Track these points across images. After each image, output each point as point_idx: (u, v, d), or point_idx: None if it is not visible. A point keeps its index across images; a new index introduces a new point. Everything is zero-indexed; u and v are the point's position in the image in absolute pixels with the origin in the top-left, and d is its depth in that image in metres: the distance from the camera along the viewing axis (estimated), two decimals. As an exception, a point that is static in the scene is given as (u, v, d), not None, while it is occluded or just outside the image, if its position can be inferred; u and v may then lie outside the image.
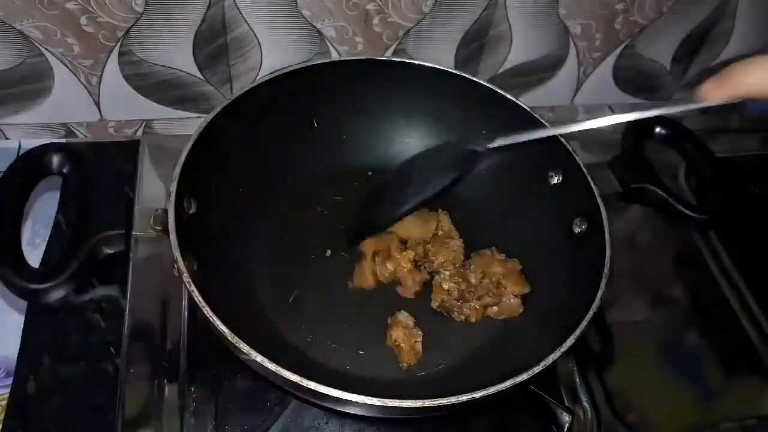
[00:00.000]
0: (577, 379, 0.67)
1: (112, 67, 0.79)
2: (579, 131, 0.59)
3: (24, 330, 0.65)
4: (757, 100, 0.42)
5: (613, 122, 0.55)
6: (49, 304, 0.66)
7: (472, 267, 0.69)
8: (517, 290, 0.67)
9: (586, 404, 0.65)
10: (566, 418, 0.62)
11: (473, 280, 0.67)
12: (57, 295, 0.49)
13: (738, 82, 0.42)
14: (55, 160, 0.55)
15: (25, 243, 0.53)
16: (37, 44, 0.74)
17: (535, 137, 0.61)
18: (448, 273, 0.68)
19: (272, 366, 0.47)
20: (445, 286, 0.67)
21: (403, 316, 0.64)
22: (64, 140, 0.85)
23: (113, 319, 0.67)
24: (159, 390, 0.61)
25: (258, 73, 0.84)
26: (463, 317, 0.66)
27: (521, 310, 0.67)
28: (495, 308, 0.67)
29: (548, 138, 0.67)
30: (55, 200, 0.76)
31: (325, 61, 0.72)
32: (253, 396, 0.61)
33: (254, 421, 0.59)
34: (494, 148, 0.62)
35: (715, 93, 0.44)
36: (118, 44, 0.76)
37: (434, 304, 0.66)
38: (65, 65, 0.77)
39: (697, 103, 0.46)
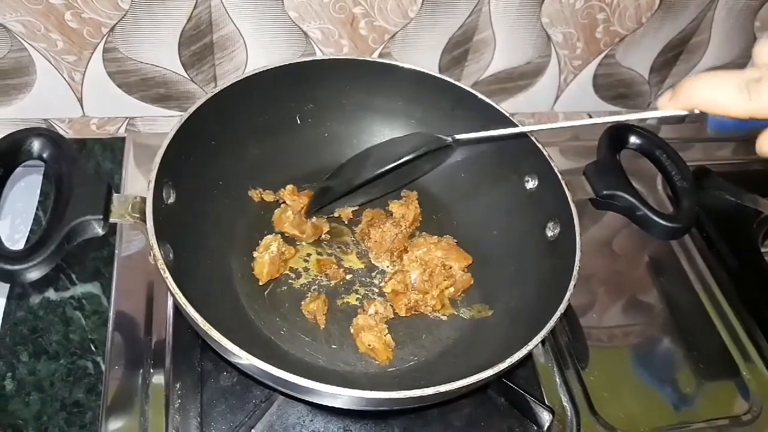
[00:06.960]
0: (557, 380, 0.68)
1: (96, 63, 0.78)
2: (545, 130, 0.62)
3: (2, 326, 0.64)
4: (708, 113, 0.45)
5: (576, 125, 0.57)
6: (29, 303, 0.66)
7: (408, 254, 0.70)
8: (462, 264, 0.69)
9: (566, 404, 0.66)
10: (547, 416, 0.63)
11: (414, 270, 0.68)
12: (34, 275, 0.49)
13: (687, 95, 0.45)
14: (36, 144, 0.54)
15: (5, 238, 0.52)
16: (19, 38, 0.73)
17: (500, 134, 0.63)
18: (389, 269, 0.69)
19: (243, 354, 0.48)
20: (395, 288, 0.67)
21: (362, 320, 0.64)
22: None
23: (93, 316, 0.66)
24: (144, 387, 0.61)
25: (243, 74, 0.84)
26: (431, 308, 0.67)
27: (472, 282, 0.69)
28: (451, 289, 0.68)
29: (526, 144, 0.68)
30: (34, 198, 0.76)
31: (310, 59, 0.72)
32: (238, 393, 0.61)
33: (239, 417, 0.59)
34: (459, 140, 0.64)
35: (668, 104, 0.47)
36: (103, 41, 0.76)
37: (401, 312, 0.66)
38: (48, 60, 0.76)
39: (655, 111, 0.49)
